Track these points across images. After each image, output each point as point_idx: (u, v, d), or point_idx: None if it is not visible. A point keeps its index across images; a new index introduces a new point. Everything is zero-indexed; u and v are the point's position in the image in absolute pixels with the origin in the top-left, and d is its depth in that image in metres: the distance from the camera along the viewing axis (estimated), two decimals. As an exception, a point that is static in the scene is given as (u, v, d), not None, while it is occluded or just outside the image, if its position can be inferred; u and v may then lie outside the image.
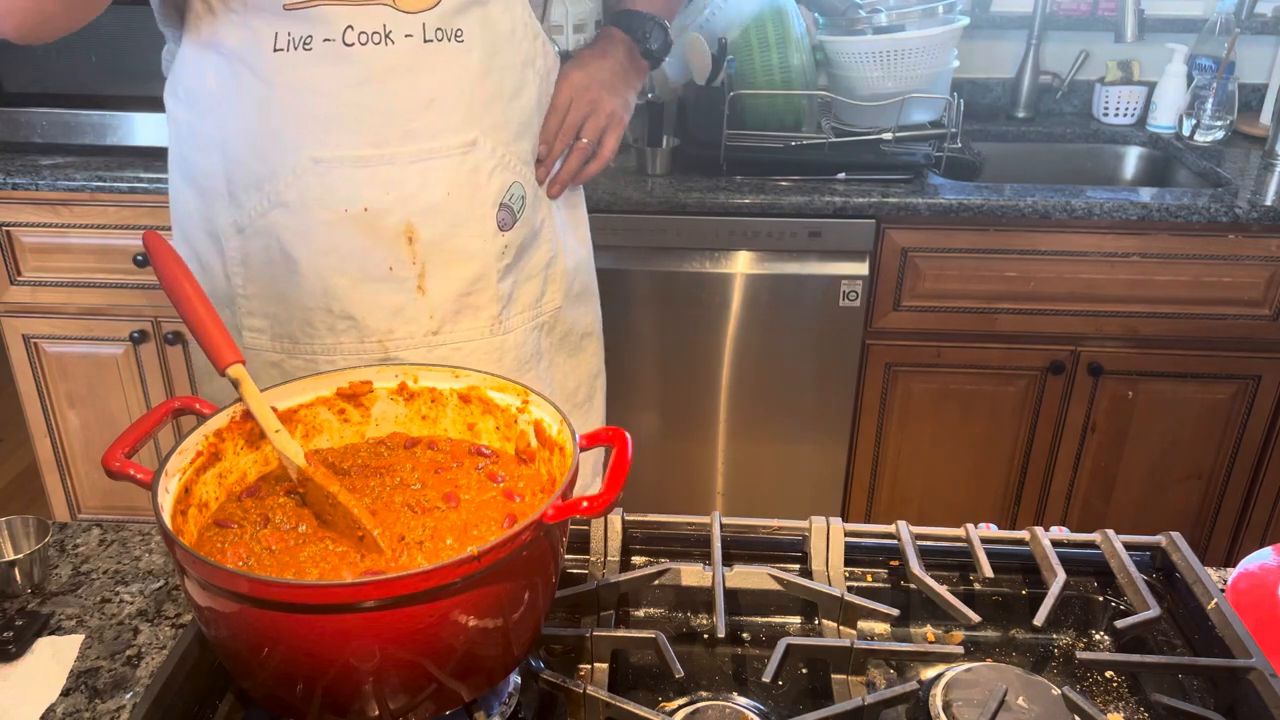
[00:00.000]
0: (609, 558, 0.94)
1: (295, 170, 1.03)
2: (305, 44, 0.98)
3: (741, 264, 1.99)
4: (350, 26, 0.98)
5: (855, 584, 0.94)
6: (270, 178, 1.04)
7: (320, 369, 1.00)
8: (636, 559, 0.96)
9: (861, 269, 1.98)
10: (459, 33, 1.03)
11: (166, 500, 0.72)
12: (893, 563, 0.96)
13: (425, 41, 1.01)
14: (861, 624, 0.88)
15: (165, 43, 1.12)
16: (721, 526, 0.95)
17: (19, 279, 2.09)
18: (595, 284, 1.36)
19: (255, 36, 0.98)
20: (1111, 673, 0.85)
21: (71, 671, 0.83)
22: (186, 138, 1.09)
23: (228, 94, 1.02)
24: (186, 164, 1.10)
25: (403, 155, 1.04)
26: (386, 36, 0.99)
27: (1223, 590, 0.92)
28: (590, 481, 1.36)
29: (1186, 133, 2.32)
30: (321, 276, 1.07)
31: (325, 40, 0.98)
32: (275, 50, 0.98)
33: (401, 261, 1.08)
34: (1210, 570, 0.94)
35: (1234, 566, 0.96)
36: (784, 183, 1.98)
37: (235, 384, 0.80)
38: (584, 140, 1.20)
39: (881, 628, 0.90)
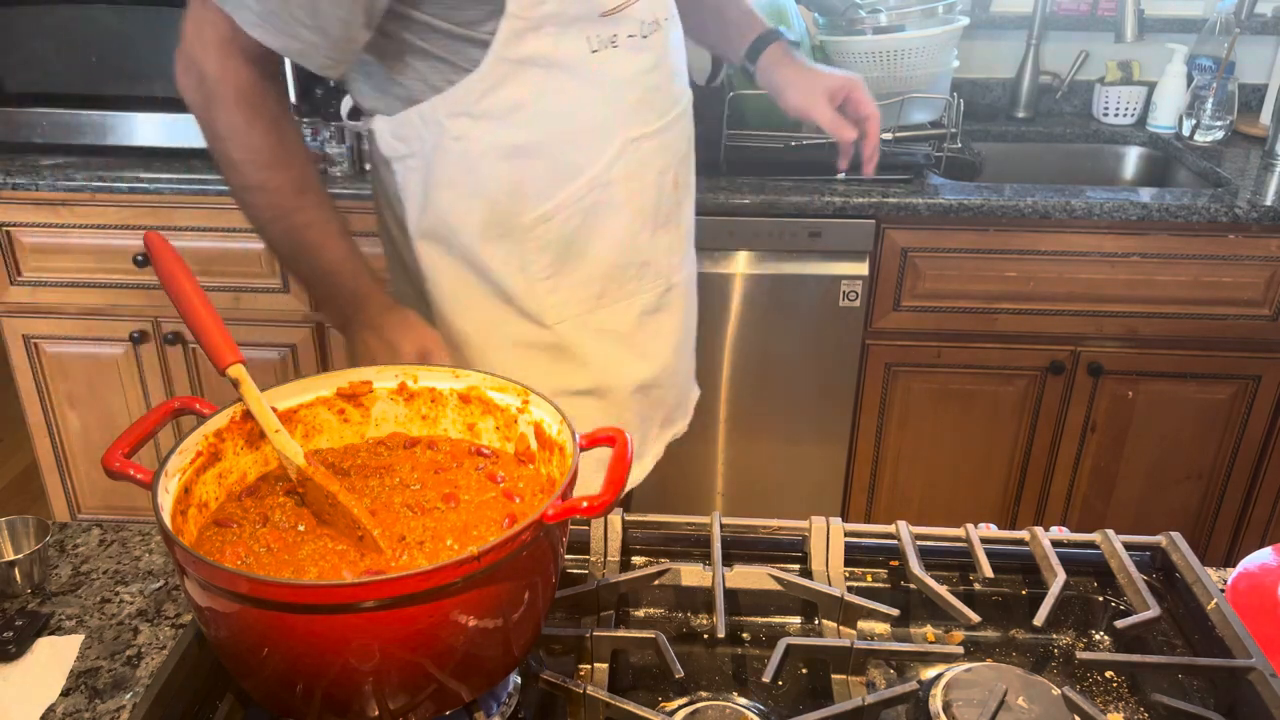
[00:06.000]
0: (609, 558, 0.94)
1: (618, 153, 1.18)
2: (612, 43, 1.13)
3: (741, 264, 1.99)
4: (643, 20, 1.15)
5: (855, 584, 0.94)
6: (591, 164, 1.17)
7: (627, 311, 1.25)
8: (636, 559, 0.96)
9: (861, 269, 1.98)
10: (670, 7, 1.21)
11: (166, 500, 0.72)
12: (893, 563, 0.96)
13: (666, 19, 1.20)
14: (861, 624, 0.88)
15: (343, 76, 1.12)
16: (721, 526, 0.95)
17: (19, 279, 2.09)
18: None
19: (573, 44, 1.11)
20: (1111, 673, 0.85)
21: (71, 671, 0.83)
22: (481, 152, 1.14)
23: (545, 99, 1.13)
24: (473, 176, 1.15)
25: (671, 121, 1.23)
26: (656, 24, 1.17)
27: (1223, 590, 0.92)
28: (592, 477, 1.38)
29: (1186, 133, 2.32)
30: (633, 235, 1.23)
31: (629, 36, 1.14)
32: (593, 52, 1.12)
33: (671, 204, 1.27)
34: (1210, 570, 0.94)
35: (1234, 566, 0.96)
36: (784, 183, 1.98)
37: (235, 384, 0.80)
38: (868, 114, 1.41)
39: (881, 628, 0.90)
